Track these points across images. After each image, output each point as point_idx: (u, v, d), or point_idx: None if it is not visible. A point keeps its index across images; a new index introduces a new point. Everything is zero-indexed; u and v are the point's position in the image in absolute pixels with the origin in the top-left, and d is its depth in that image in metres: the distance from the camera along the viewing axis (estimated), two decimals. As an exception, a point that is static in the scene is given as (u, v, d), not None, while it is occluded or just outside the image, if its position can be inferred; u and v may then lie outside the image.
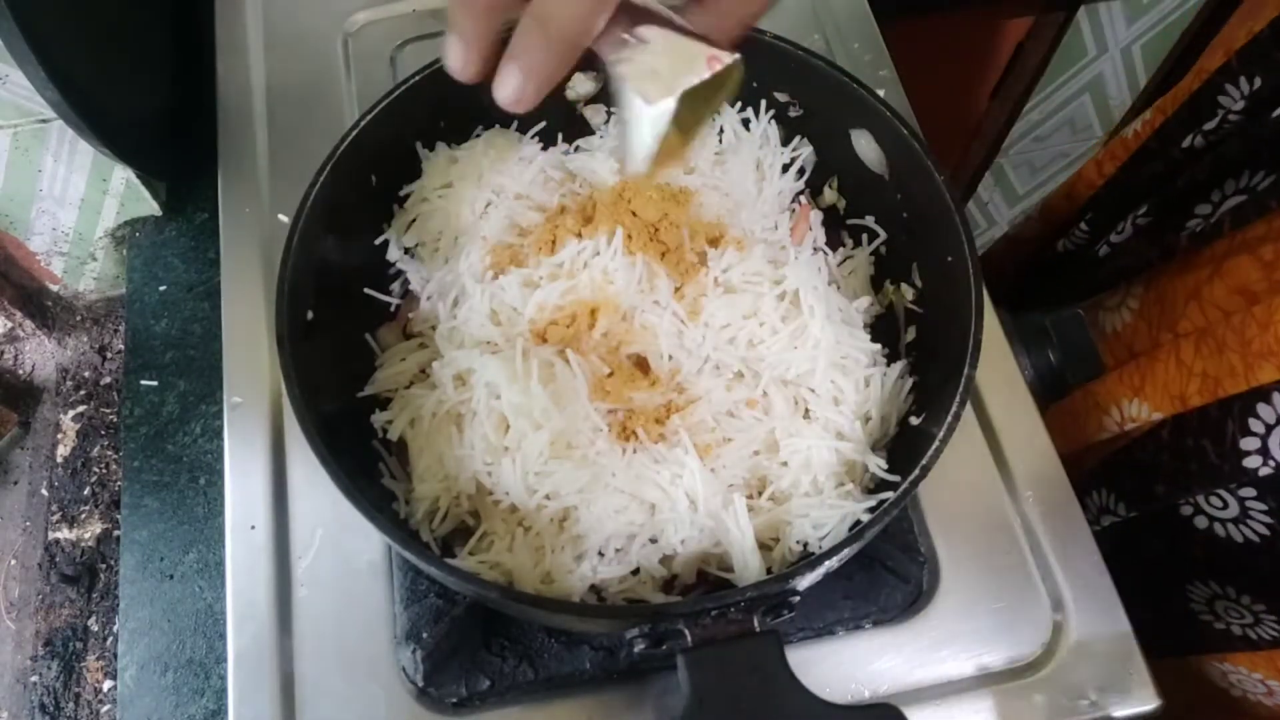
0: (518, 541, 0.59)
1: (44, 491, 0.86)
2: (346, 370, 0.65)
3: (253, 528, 0.66)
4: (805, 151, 0.73)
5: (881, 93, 0.65)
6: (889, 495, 0.57)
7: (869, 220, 0.71)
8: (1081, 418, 0.78)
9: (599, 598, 0.59)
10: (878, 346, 0.65)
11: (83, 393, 0.90)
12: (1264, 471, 0.60)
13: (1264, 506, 0.65)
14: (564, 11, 0.42)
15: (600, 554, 0.59)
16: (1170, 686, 0.65)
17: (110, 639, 0.78)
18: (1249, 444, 0.61)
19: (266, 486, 0.68)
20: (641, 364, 0.64)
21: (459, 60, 0.45)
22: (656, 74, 0.44)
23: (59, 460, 0.87)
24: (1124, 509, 0.74)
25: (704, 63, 0.45)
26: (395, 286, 0.71)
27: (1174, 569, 0.74)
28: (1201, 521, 0.70)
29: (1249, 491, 0.65)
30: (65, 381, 0.91)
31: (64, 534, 0.83)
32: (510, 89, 0.44)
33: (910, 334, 0.67)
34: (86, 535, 0.83)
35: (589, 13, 0.43)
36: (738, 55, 0.46)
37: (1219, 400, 0.64)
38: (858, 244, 0.72)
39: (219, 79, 0.84)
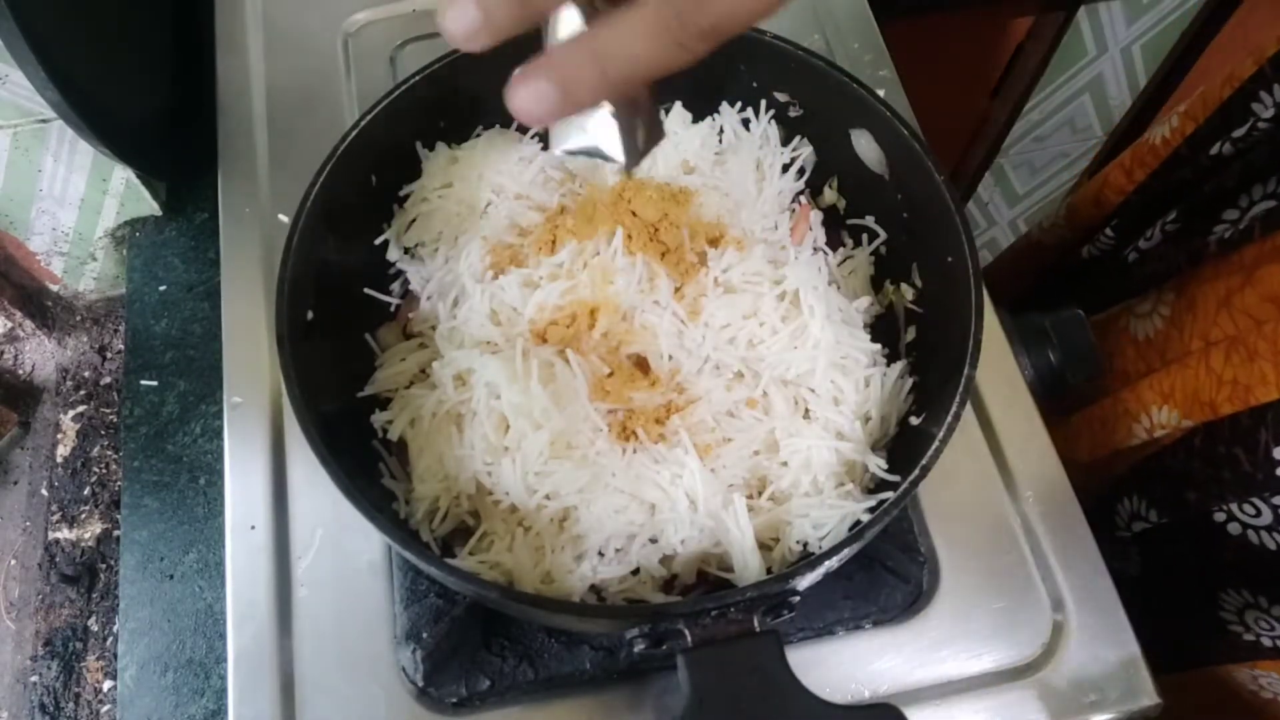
0: (518, 541, 0.59)
1: (44, 491, 0.86)
2: (346, 370, 0.65)
3: (253, 528, 0.66)
4: (805, 151, 0.73)
5: (881, 93, 0.65)
6: (889, 495, 0.57)
7: (869, 220, 0.71)
8: (1110, 424, 0.78)
9: (599, 598, 0.59)
10: (878, 346, 0.65)
11: (83, 393, 0.90)
12: None
13: None
14: (628, 64, 0.38)
15: (600, 554, 0.59)
16: (1196, 688, 0.64)
17: (110, 639, 0.78)
18: None
19: (266, 486, 0.68)
20: (641, 364, 0.64)
21: (468, 25, 0.38)
22: None
23: (59, 460, 0.87)
24: (1155, 515, 0.74)
25: None
26: (395, 286, 0.71)
27: (1206, 576, 0.74)
28: (1234, 528, 0.70)
29: None
30: (65, 381, 0.91)
31: (64, 534, 0.83)
32: (541, 106, 0.40)
33: (910, 334, 0.67)
34: (86, 535, 0.83)
35: (649, 72, 0.39)
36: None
37: (1251, 409, 0.64)
38: (858, 244, 0.72)
39: (219, 79, 0.84)
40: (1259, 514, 0.67)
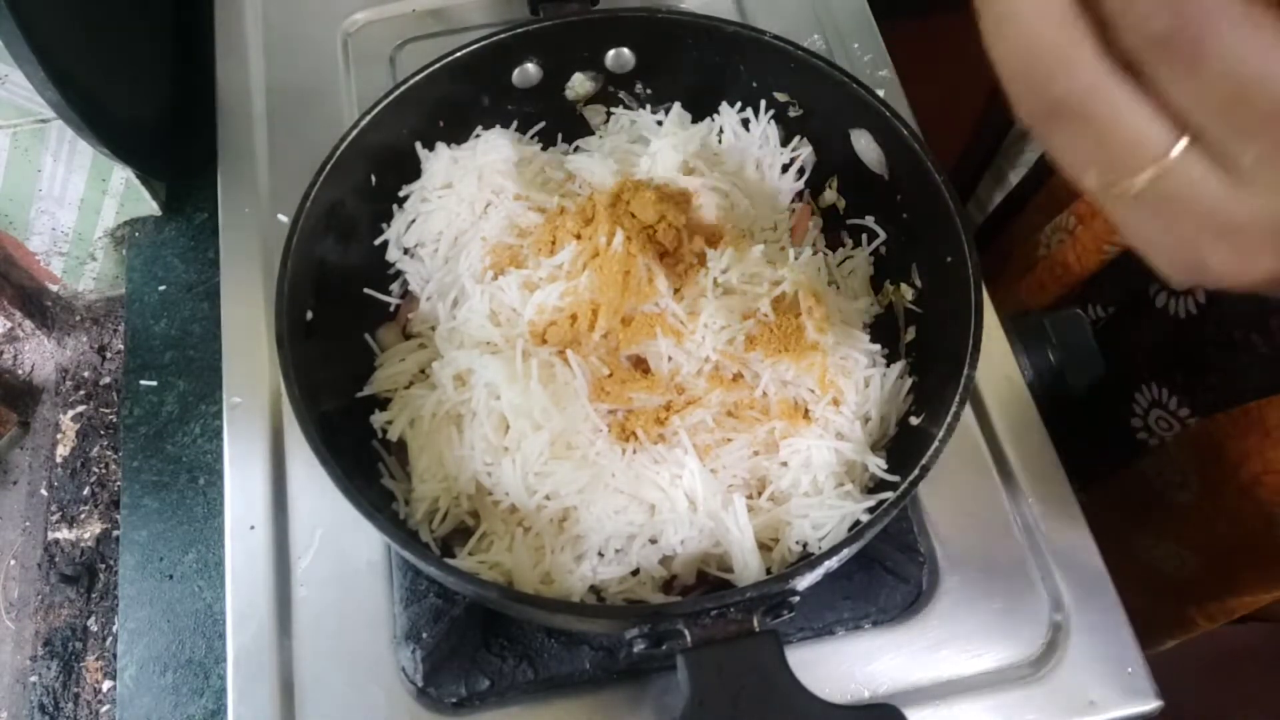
0: (517, 541, 0.59)
1: (44, 491, 0.86)
2: (346, 370, 0.65)
3: (252, 528, 0.66)
4: (805, 151, 0.73)
5: (881, 93, 0.65)
6: (889, 495, 0.57)
7: (869, 220, 0.71)
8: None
9: (599, 598, 0.59)
10: (877, 347, 0.65)
11: (82, 393, 0.90)
12: None
13: None
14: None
15: (600, 554, 0.59)
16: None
17: (110, 639, 0.78)
18: None
19: (266, 486, 0.68)
20: (641, 364, 0.64)
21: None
22: None
23: (59, 460, 0.87)
24: (1105, 310, 0.83)
25: None
26: (395, 286, 0.71)
27: (1129, 370, 0.81)
28: (1160, 299, 0.76)
29: None
30: (65, 381, 0.91)
31: (63, 534, 0.83)
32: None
33: (910, 334, 0.67)
34: (86, 535, 0.83)
35: None
36: None
37: None
38: (858, 244, 0.72)
39: (219, 79, 0.84)
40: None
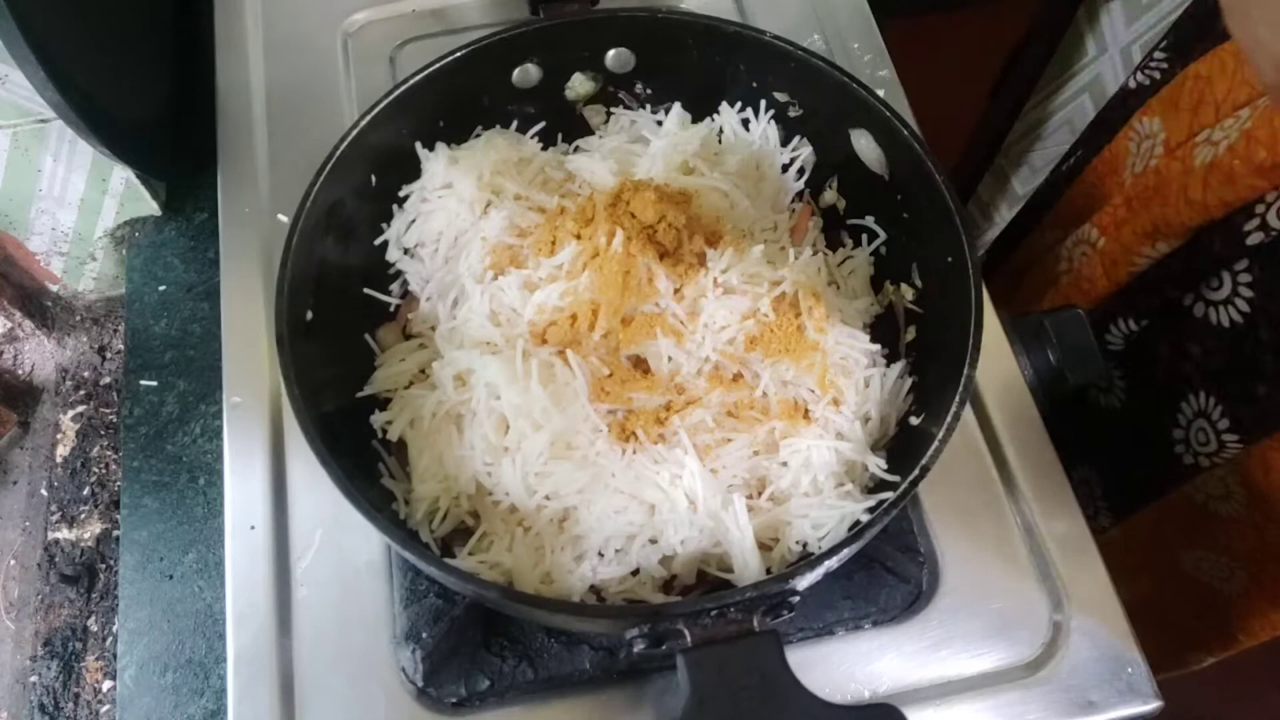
0: (517, 541, 0.59)
1: (43, 491, 0.86)
2: (346, 370, 0.65)
3: (252, 528, 0.66)
4: (805, 151, 0.73)
5: (881, 93, 0.65)
6: (889, 495, 0.57)
7: (869, 220, 0.71)
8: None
9: (599, 598, 0.59)
10: (877, 347, 0.65)
11: (82, 393, 0.90)
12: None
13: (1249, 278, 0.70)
14: None
15: (600, 554, 0.59)
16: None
17: (110, 639, 0.78)
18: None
19: (266, 486, 0.68)
20: (641, 365, 0.64)
21: None
22: None
23: (58, 460, 0.87)
24: (1137, 324, 0.82)
25: None
26: (395, 286, 0.71)
27: (1174, 379, 0.80)
28: (1199, 309, 0.76)
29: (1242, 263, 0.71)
30: (65, 381, 0.91)
31: (63, 534, 0.83)
32: None
33: (910, 334, 0.67)
34: (86, 535, 0.83)
35: None
36: None
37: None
38: (858, 244, 0.72)
39: (219, 79, 0.84)
40: (1220, 286, 0.73)
